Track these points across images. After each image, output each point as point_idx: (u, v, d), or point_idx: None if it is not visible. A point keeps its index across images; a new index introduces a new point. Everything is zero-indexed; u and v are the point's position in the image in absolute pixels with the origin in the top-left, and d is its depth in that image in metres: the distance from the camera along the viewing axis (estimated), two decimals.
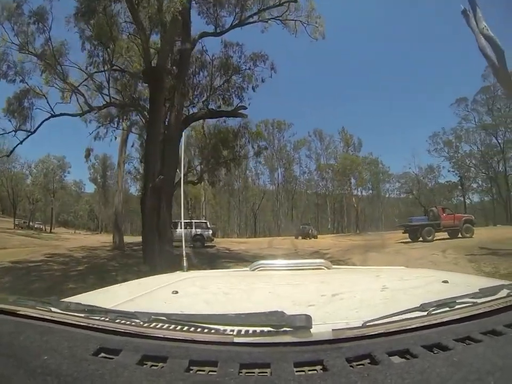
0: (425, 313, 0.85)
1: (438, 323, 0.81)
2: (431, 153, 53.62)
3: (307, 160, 63.55)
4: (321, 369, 0.66)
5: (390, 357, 0.68)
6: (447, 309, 0.87)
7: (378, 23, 74.89)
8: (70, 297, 1.30)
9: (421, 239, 20.64)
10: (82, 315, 0.89)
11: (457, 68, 66.20)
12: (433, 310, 0.86)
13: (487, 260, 11.03)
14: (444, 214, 22.07)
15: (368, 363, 0.67)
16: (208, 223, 27.16)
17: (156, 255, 11.00)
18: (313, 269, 1.95)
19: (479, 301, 0.92)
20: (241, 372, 0.64)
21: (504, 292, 0.98)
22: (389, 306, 1.01)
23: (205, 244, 24.23)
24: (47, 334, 0.79)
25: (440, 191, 55.96)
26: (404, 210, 61.48)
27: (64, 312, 0.90)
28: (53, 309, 0.93)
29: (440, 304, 0.88)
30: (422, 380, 0.61)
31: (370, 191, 60.20)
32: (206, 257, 15.77)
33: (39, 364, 0.67)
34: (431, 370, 0.62)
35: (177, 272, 2.20)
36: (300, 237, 34.86)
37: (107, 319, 0.86)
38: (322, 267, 1.93)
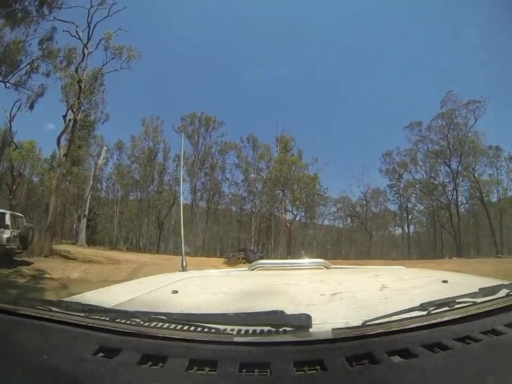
0: (425, 312, 0.85)
1: (437, 323, 0.81)
2: (381, 173, 49.93)
3: (234, 170, 52.81)
4: (320, 368, 0.66)
5: (390, 357, 0.68)
6: (447, 308, 0.88)
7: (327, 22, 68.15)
8: (69, 297, 1.30)
9: None
10: (82, 314, 0.89)
11: (416, 89, 64.65)
12: (433, 309, 0.86)
13: None
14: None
15: (368, 363, 0.67)
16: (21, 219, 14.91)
17: None
18: (312, 268, 1.97)
19: (478, 300, 0.92)
20: (241, 371, 0.64)
21: (503, 292, 0.99)
22: (388, 306, 1.01)
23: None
24: (47, 334, 0.79)
25: (386, 216, 52.48)
26: (336, 237, 58.06)
27: (64, 312, 0.90)
28: (52, 309, 0.93)
29: (439, 303, 0.88)
30: (422, 379, 0.61)
31: (303, 213, 51.01)
32: None
33: (39, 363, 0.67)
34: (431, 370, 0.63)
35: (177, 271, 2.20)
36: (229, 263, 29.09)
37: (107, 319, 0.86)
38: (322, 267, 1.94)
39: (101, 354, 0.71)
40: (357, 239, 54.61)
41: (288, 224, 37.52)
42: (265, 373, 0.64)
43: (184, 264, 2.28)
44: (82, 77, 22.54)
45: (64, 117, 22.14)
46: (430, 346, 0.72)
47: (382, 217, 51.90)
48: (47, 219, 20.70)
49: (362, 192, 51.71)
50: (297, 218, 46.28)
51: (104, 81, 27.60)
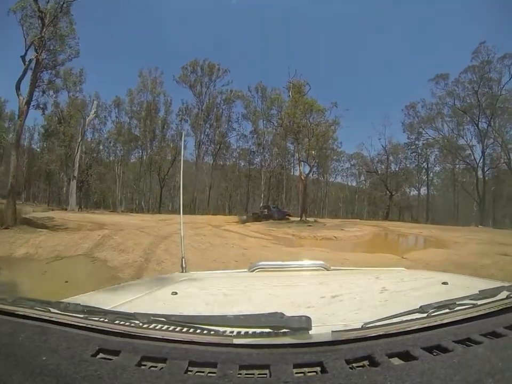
0: (425, 315, 0.85)
1: (437, 325, 0.81)
2: (404, 127, 44.29)
3: (242, 120, 48.06)
4: (320, 370, 0.66)
5: (390, 359, 0.68)
6: (447, 310, 0.88)
7: None
8: (69, 298, 1.29)
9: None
10: (81, 316, 0.89)
11: (445, 39, 60.23)
12: (433, 311, 0.86)
13: None
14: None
15: (368, 365, 0.67)
16: None
17: None
18: (312, 270, 1.96)
19: (478, 302, 0.92)
20: (240, 373, 0.64)
21: (504, 294, 0.99)
22: (388, 308, 1.01)
23: None
24: (46, 335, 0.79)
25: (407, 173, 46.32)
26: (349, 195, 54.09)
27: (63, 313, 0.90)
28: (51, 310, 0.92)
29: (439, 305, 0.88)
30: (422, 381, 0.61)
31: (315, 168, 44.77)
32: None
33: (38, 365, 0.67)
34: (431, 372, 0.63)
35: (177, 273, 2.20)
36: (246, 221, 28.28)
37: (106, 320, 0.86)
38: (322, 268, 1.93)
39: (100, 355, 0.71)
40: (373, 198, 49.99)
41: (303, 177, 31.70)
42: (265, 375, 0.65)
43: (184, 265, 2.26)
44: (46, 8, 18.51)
45: (23, 57, 18.25)
46: (430, 349, 0.72)
47: (403, 175, 46.15)
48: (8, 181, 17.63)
49: (383, 146, 46.05)
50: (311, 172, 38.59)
51: (71, 11, 21.52)
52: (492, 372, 0.63)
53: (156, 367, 0.68)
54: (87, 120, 36.93)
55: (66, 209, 32.09)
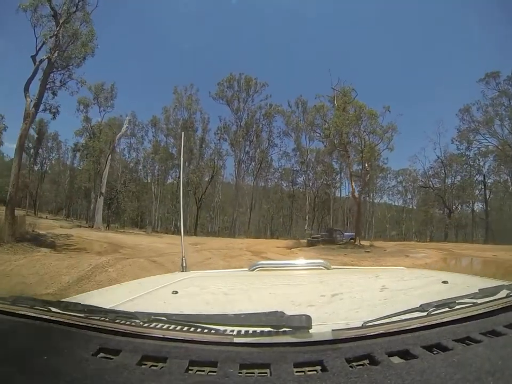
0: (425, 313, 0.85)
1: (437, 323, 0.81)
2: (460, 133, 38.33)
3: (283, 137, 45.37)
4: (320, 369, 0.66)
5: (390, 358, 0.68)
6: (447, 309, 0.88)
7: None
8: (69, 297, 1.30)
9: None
10: (81, 315, 0.89)
11: (495, 35, 55.23)
12: (433, 310, 0.86)
13: None
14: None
15: (368, 363, 0.67)
16: None
17: None
18: (312, 269, 1.96)
19: (478, 301, 0.92)
20: (241, 372, 0.65)
21: (503, 293, 0.99)
22: (388, 307, 1.01)
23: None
24: (46, 334, 0.79)
25: (466, 186, 40.65)
26: (397, 214, 49.39)
27: (64, 312, 0.90)
28: (52, 309, 0.93)
29: (439, 304, 0.88)
30: (421, 380, 0.61)
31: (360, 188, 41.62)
32: None
33: (38, 364, 0.67)
34: (431, 371, 0.63)
35: (177, 272, 2.21)
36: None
37: (107, 319, 0.86)
38: (322, 267, 1.93)
39: (100, 355, 0.72)
40: (427, 217, 44.76)
41: (355, 195, 27.61)
42: (265, 374, 0.65)
43: (184, 264, 2.27)
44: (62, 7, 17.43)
45: (34, 57, 17.01)
46: (430, 347, 0.72)
47: (463, 190, 41.26)
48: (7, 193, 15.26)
49: (438, 157, 41.70)
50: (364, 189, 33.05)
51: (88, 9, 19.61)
52: (492, 370, 0.63)
53: (157, 366, 0.68)
54: (117, 135, 35.91)
55: (92, 227, 31.19)
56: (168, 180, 48.23)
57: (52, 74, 19.10)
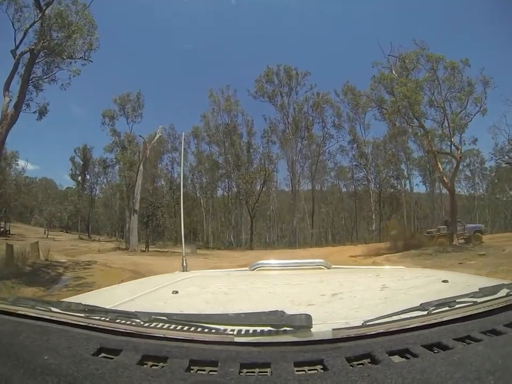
0: (425, 312, 0.85)
1: (438, 322, 0.81)
2: None
3: (338, 131, 39.47)
4: (321, 368, 0.66)
5: (390, 357, 0.68)
6: (447, 308, 0.87)
7: None
8: (70, 297, 1.31)
9: None
10: (82, 315, 0.89)
11: None
12: (433, 309, 0.85)
13: None
14: None
15: (368, 362, 0.67)
16: None
17: None
18: (313, 268, 1.96)
19: (479, 300, 0.92)
20: (241, 372, 0.65)
21: (504, 292, 0.98)
22: (388, 306, 1.01)
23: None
24: (47, 334, 0.80)
25: None
26: (468, 202, 40.81)
27: (64, 312, 0.91)
28: (52, 309, 0.93)
29: (440, 303, 0.88)
30: (422, 379, 0.61)
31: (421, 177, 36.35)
32: None
33: (39, 364, 0.67)
34: (431, 370, 0.63)
35: (177, 272, 2.22)
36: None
37: (107, 319, 0.87)
38: (322, 267, 1.93)
39: (101, 354, 0.72)
40: (493, 205, 39.29)
41: (445, 180, 21.04)
42: (266, 373, 0.65)
43: (184, 264, 2.28)
44: None
45: (14, 51, 15.22)
46: (430, 346, 0.72)
47: None
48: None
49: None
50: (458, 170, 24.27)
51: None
52: (492, 369, 0.63)
53: (157, 365, 0.68)
54: (148, 145, 30.71)
55: (128, 249, 27.50)
56: (218, 192, 45.45)
57: (37, 67, 16.79)
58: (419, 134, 24.62)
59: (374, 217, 37.92)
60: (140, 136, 32.00)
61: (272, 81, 38.83)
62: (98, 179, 50.77)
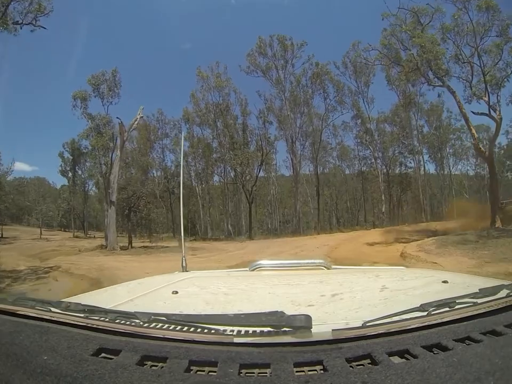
0: (425, 313, 0.84)
1: (437, 323, 0.81)
2: None
3: (339, 108, 34.91)
4: (321, 369, 0.66)
5: (390, 357, 0.68)
6: (447, 309, 0.87)
7: None
8: (69, 297, 1.31)
9: None
10: (82, 315, 0.89)
11: None
12: (433, 310, 0.85)
13: None
14: None
15: (368, 363, 0.67)
16: None
17: None
18: (312, 269, 1.95)
19: (479, 301, 0.91)
20: (241, 372, 0.65)
21: (503, 292, 0.98)
22: (388, 307, 1.01)
23: None
24: (47, 334, 0.79)
25: None
26: (477, 183, 36.87)
27: (64, 312, 0.91)
28: (52, 309, 0.93)
29: (440, 304, 0.87)
30: (422, 380, 0.60)
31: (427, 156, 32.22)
32: None
33: (38, 364, 0.67)
34: (431, 371, 0.63)
35: (177, 272, 2.21)
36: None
37: (107, 319, 0.86)
38: (322, 267, 1.92)
39: (101, 355, 0.72)
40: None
41: (482, 148, 18.16)
42: (265, 374, 0.65)
43: (184, 264, 2.27)
44: None
45: None
46: (430, 347, 0.72)
47: None
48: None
49: None
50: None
51: None
52: (492, 370, 0.63)
53: (157, 366, 0.68)
54: (126, 127, 24.58)
55: (107, 247, 22.69)
56: (214, 178, 40.88)
57: None
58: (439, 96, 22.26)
59: (383, 198, 33.95)
60: (117, 118, 26.15)
61: (266, 54, 34.18)
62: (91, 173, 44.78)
